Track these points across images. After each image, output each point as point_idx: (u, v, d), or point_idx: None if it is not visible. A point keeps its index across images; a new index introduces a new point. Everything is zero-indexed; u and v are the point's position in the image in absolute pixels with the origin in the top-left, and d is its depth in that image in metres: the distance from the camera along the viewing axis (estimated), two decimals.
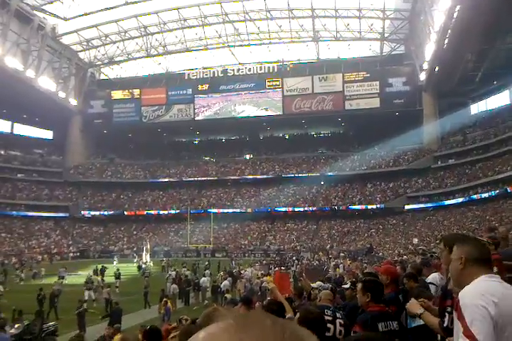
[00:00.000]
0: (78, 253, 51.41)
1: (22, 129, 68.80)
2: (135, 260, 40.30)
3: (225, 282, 19.74)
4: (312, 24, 55.23)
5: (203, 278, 21.53)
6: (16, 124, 68.36)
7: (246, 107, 61.87)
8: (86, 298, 17.19)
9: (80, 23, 55.32)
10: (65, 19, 54.44)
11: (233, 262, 33.96)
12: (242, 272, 25.26)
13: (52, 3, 51.00)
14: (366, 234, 49.72)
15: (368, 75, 57.31)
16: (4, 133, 66.09)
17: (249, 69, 61.49)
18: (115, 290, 21.85)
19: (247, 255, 47.67)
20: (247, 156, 65.11)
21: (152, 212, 58.54)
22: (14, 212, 56.15)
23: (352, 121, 59.32)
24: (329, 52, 59.73)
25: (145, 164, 65.73)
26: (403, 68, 56.84)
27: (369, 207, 52.50)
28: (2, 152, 63.04)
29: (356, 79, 57.69)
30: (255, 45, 60.81)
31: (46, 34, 56.12)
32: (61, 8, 51.79)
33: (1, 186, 57.89)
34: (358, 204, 53.17)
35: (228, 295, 16.62)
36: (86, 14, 52.89)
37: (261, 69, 60.87)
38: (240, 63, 63.14)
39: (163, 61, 64.52)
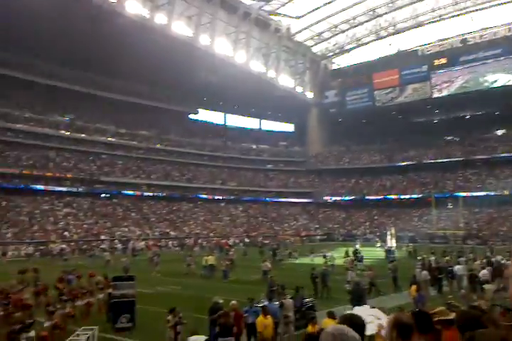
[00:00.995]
0: (325, 236, 54.44)
1: (268, 125, 77.17)
2: (378, 245, 40.30)
3: (484, 271, 17.80)
4: None
5: (458, 266, 19.88)
6: (263, 121, 77.12)
7: (499, 76, 54.69)
8: (349, 278, 17.74)
9: (311, 18, 58.07)
10: (297, 17, 57.99)
11: (491, 250, 30.40)
12: (503, 262, 22.36)
13: (285, 5, 54.90)
14: None
15: None
16: (254, 130, 75.35)
17: (495, 34, 54.00)
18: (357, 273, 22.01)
19: (507, 243, 42.03)
20: (499, 132, 57.51)
21: (392, 196, 57.49)
22: (267, 199, 63.33)
23: None
24: None
25: (381, 148, 65.04)
26: None
27: None
28: (254, 146, 71.87)
29: None
30: (498, 5, 52.78)
31: (282, 35, 60.95)
32: (293, 8, 55.38)
33: (254, 176, 66.13)
34: None
35: (488, 286, 14.95)
36: (315, 9, 55.17)
37: (509, 32, 52.68)
38: (482, 28, 55.93)
39: (393, 41, 62.33)
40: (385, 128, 64.12)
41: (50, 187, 46.46)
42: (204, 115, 71.54)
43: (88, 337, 10.22)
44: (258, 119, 77.11)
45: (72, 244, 38.69)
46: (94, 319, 12.97)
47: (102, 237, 42.43)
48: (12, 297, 12.51)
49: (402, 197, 56.89)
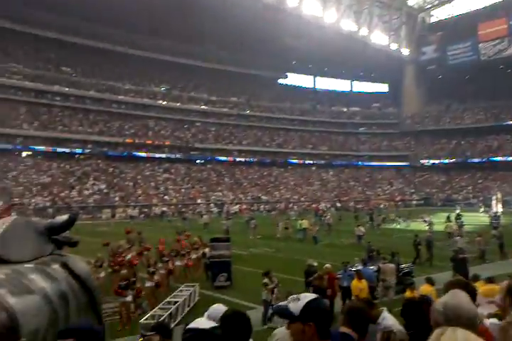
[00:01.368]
0: (422, 201, 52.12)
1: (360, 86, 74.36)
2: (481, 210, 37.83)
3: None
4: None
5: None
6: (354, 82, 74.31)
7: None
8: (458, 244, 16.90)
9: None
10: None
11: None
12: None
13: None
14: None
15: None
16: (345, 92, 72.95)
17: None
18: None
19: None
20: None
21: (499, 158, 53.03)
22: (359, 163, 61.85)
23: None
24: None
25: (487, 106, 59.61)
26: None
27: None
28: (345, 109, 69.70)
29: None
30: None
31: None
32: None
33: (346, 140, 64.57)
34: None
35: None
36: None
37: None
38: None
39: None
40: (491, 84, 58.34)
41: (150, 154, 49.49)
42: (293, 79, 70.67)
43: (190, 293, 10.87)
44: (349, 81, 74.36)
45: (172, 207, 41.22)
46: (193, 277, 13.73)
47: (199, 201, 44.65)
48: (119, 255, 13.64)
49: (510, 159, 52.19)
